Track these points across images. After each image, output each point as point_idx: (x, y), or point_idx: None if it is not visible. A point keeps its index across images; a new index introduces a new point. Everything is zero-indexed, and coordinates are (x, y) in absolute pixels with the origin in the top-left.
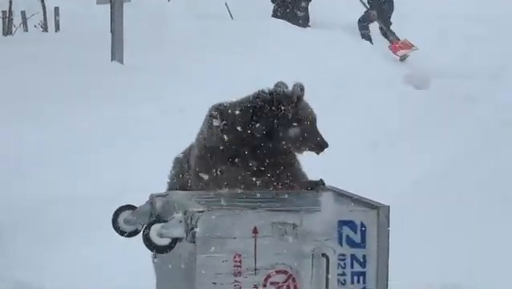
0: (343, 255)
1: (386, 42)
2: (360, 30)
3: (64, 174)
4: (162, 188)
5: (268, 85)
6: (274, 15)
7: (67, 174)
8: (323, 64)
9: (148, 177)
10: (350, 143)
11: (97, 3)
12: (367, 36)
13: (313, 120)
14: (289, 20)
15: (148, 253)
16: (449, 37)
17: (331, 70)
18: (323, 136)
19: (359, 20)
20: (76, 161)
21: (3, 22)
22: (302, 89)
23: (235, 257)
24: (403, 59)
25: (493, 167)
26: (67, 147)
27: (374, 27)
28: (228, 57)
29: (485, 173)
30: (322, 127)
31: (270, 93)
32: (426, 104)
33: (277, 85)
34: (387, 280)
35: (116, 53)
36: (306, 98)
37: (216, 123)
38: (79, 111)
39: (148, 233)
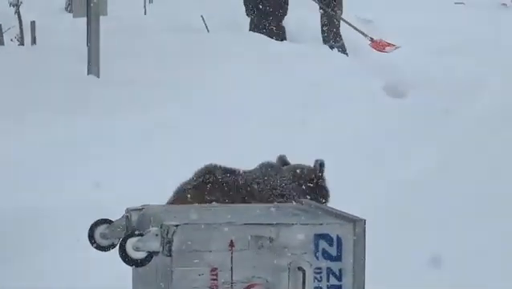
0: (320, 269)
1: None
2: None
3: (38, 186)
4: (138, 202)
5: (240, 97)
6: (251, 28)
7: (41, 186)
8: (299, 77)
9: (123, 190)
10: (327, 154)
11: (73, 17)
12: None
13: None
14: (266, 33)
15: None
16: (422, 50)
17: (306, 82)
18: None
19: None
20: (50, 173)
21: None
22: (322, 165)
23: (212, 270)
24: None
25: (467, 178)
26: (41, 160)
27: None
28: (205, 69)
29: (459, 184)
30: (296, 140)
31: (295, 169)
32: (402, 116)
33: (280, 158)
34: None
35: (93, 66)
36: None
37: None
38: (55, 124)
39: (124, 246)
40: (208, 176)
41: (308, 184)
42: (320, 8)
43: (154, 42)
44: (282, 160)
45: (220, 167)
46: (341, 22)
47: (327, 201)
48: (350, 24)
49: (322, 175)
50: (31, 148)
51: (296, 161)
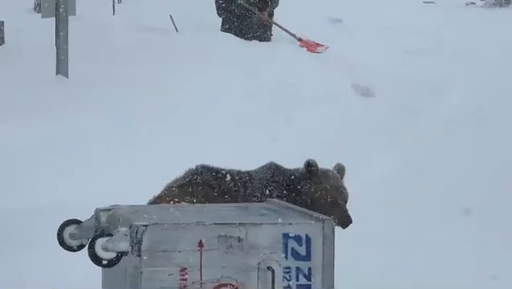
0: (289, 268)
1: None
2: None
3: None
4: (108, 202)
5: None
6: (223, 29)
7: (8, 187)
8: (267, 76)
9: (92, 190)
10: (294, 153)
11: (42, 17)
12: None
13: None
14: (236, 33)
15: None
16: (390, 50)
17: (275, 81)
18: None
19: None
20: (18, 175)
21: None
22: (309, 165)
23: (181, 270)
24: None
25: (435, 177)
26: (8, 161)
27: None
28: (172, 69)
29: (427, 183)
30: (267, 140)
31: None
32: (369, 117)
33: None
34: None
35: (61, 67)
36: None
37: None
38: (23, 125)
39: (93, 247)
40: (195, 176)
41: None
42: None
43: (122, 42)
44: (310, 164)
45: (211, 169)
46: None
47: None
48: (278, 25)
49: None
50: (6, 146)
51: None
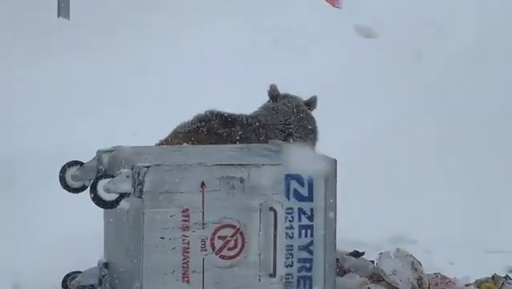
0: (291, 209)
1: None
2: None
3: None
4: (110, 144)
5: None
6: None
7: (11, 130)
8: (270, 19)
9: (94, 133)
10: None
11: None
12: None
13: None
14: None
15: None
16: None
17: (278, 25)
18: None
19: None
20: (18, 118)
21: None
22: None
23: (183, 211)
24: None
25: (437, 122)
26: (9, 104)
27: None
28: (175, 18)
29: (429, 128)
30: (266, 73)
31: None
32: (372, 58)
33: (272, 87)
34: (335, 233)
35: (62, 9)
36: None
37: None
38: (21, 68)
39: (95, 188)
40: (203, 124)
41: (300, 114)
42: None
43: None
44: (274, 90)
45: (220, 115)
46: None
47: (315, 132)
48: None
49: (313, 107)
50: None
51: None
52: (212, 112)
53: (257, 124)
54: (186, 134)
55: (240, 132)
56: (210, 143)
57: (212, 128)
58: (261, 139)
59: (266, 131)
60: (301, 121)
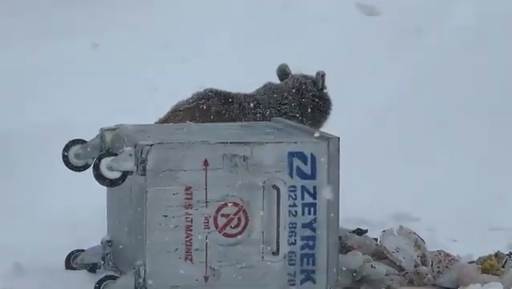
0: (294, 187)
1: None
2: None
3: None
4: (113, 122)
5: None
6: None
7: (11, 108)
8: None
9: (95, 111)
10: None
11: None
12: None
13: None
14: None
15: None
16: None
17: (280, 2)
18: None
19: None
20: (21, 96)
21: None
22: (323, 76)
23: (186, 189)
24: None
25: (440, 98)
26: (12, 82)
27: None
28: None
29: (431, 104)
30: (268, 59)
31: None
32: (375, 34)
33: (280, 68)
34: (338, 211)
35: None
36: None
37: None
38: (23, 46)
39: (99, 166)
40: (202, 101)
41: (310, 96)
42: None
43: None
44: (283, 71)
45: (219, 93)
46: None
47: (328, 112)
48: None
49: (323, 86)
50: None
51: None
52: (211, 90)
53: (254, 102)
54: (186, 112)
55: (237, 111)
56: (209, 120)
57: (209, 107)
58: (257, 117)
59: (262, 110)
60: (298, 101)
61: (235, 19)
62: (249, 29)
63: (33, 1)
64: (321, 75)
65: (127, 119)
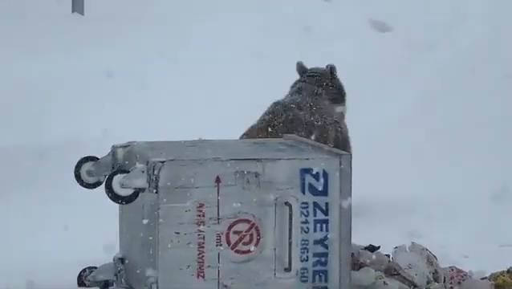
0: (306, 203)
1: None
2: None
3: (14, 124)
4: (124, 139)
5: None
6: None
7: (17, 124)
8: (285, 12)
9: (108, 128)
10: None
11: None
12: None
13: None
14: None
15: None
16: None
17: (292, 17)
18: None
19: None
20: (33, 112)
21: None
22: (332, 68)
23: (198, 206)
24: None
25: (449, 114)
26: (23, 98)
27: None
28: (189, 2)
29: (443, 120)
30: (279, 75)
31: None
32: (386, 51)
33: (299, 64)
34: (350, 227)
35: (76, 4)
36: None
37: None
38: (36, 62)
39: (111, 183)
40: (270, 116)
41: (324, 87)
42: None
43: None
44: (302, 67)
45: (283, 104)
46: None
47: (343, 99)
48: None
49: (335, 77)
50: (23, 83)
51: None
52: (277, 103)
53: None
54: (259, 130)
55: (304, 118)
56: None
57: (278, 119)
58: (315, 118)
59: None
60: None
61: (244, 35)
62: (258, 46)
63: (47, 14)
64: (330, 68)
65: (139, 135)
